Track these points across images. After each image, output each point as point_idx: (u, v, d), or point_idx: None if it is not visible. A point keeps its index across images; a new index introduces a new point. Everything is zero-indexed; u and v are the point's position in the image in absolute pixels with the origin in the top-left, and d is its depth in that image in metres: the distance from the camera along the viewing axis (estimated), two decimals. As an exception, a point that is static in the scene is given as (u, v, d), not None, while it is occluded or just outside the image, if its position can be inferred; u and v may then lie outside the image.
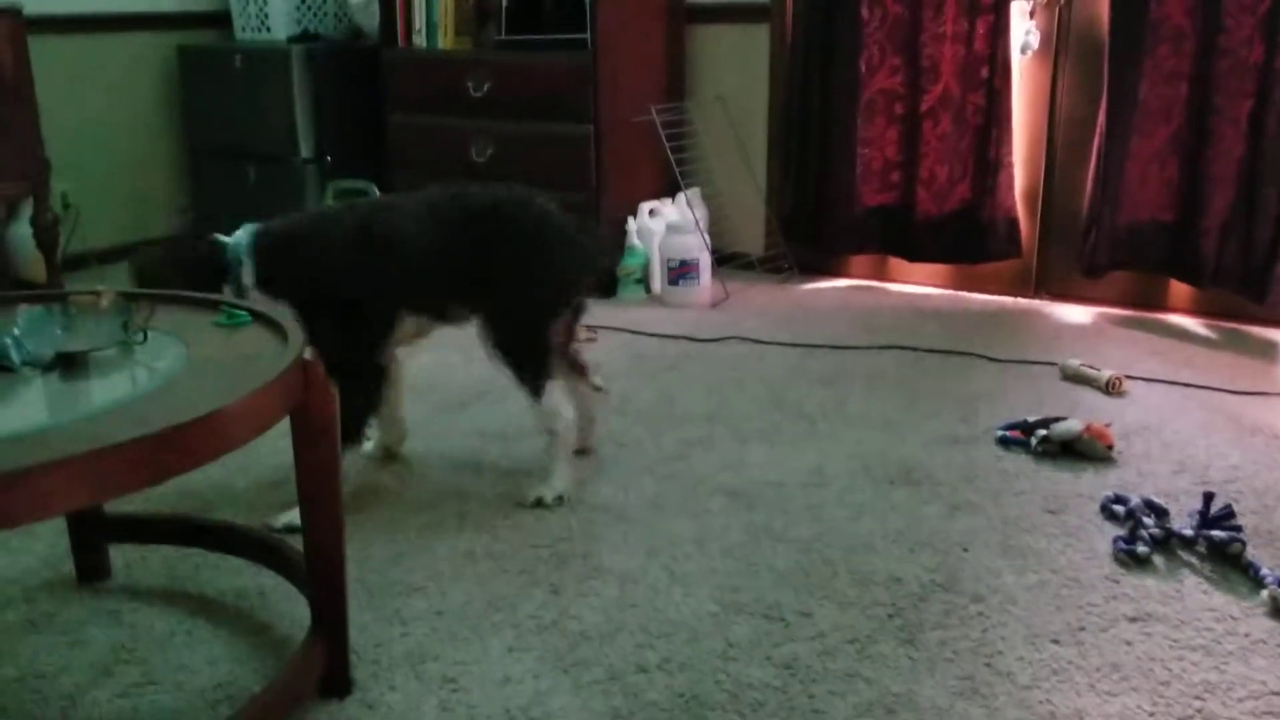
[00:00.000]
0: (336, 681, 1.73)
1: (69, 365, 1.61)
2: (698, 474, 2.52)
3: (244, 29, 4.69)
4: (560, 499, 2.37)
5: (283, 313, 1.83)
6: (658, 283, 4.02)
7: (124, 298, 1.73)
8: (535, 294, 2.33)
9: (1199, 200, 3.51)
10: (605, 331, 3.58)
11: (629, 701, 1.71)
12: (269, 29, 4.59)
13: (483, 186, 2.36)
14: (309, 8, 4.63)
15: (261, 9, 4.59)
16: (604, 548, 2.18)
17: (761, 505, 2.36)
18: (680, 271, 3.89)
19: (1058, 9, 3.70)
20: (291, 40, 4.52)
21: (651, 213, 4.08)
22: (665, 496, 2.41)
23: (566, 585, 2.04)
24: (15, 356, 1.58)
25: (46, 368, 1.60)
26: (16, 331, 1.63)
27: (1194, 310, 3.68)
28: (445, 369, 3.23)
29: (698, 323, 3.69)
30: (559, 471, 2.39)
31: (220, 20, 4.81)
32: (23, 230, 4.00)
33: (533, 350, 2.35)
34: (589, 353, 3.16)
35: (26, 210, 3.95)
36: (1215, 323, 3.60)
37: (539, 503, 2.36)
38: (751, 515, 2.31)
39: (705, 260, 3.92)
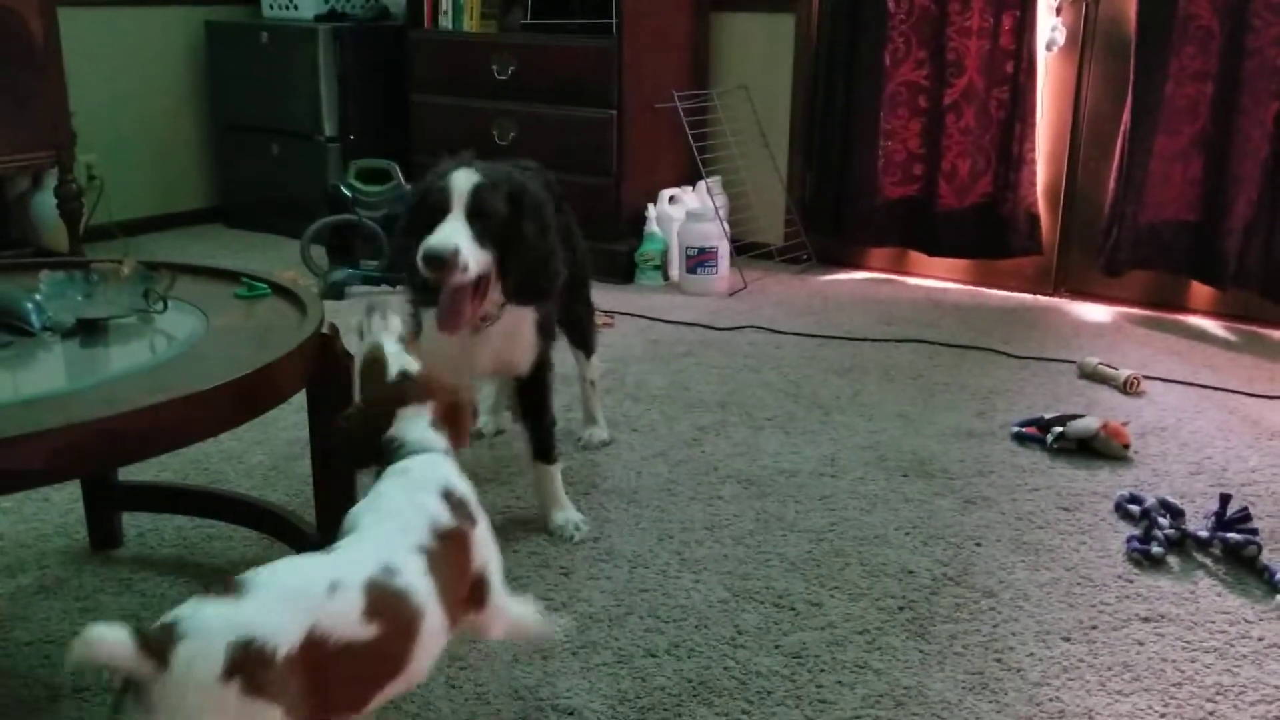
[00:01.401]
0: (346, 655, 1.74)
1: (89, 331, 1.62)
2: (711, 460, 2.51)
3: (272, 6, 4.69)
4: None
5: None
6: (676, 270, 4.02)
7: (145, 267, 1.74)
8: (585, 265, 2.46)
9: (1222, 200, 3.48)
10: (622, 317, 3.58)
11: (637, 685, 1.71)
12: (296, 7, 4.60)
13: (492, 162, 2.36)
14: (335, -14, 4.63)
15: (288, -14, 4.60)
16: (615, 531, 2.18)
17: (774, 493, 2.35)
18: (699, 259, 3.88)
19: (1084, 6, 3.67)
20: (319, 19, 4.52)
21: (672, 199, 4.07)
22: (678, 482, 2.40)
23: (577, 567, 2.05)
24: (36, 321, 1.59)
25: (67, 333, 1.61)
26: (38, 296, 1.64)
27: (1214, 312, 3.65)
28: (461, 350, 3.23)
29: (715, 310, 3.69)
30: (602, 417, 2.64)
31: (248, -3, 4.83)
32: (47, 200, 4.02)
33: (589, 313, 2.53)
34: (605, 337, 3.16)
35: (51, 180, 3.96)
36: (1235, 325, 3.57)
37: (603, 444, 2.58)
38: (764, 503, 2.31)
39: (724, 249, 3.91)
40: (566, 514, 2.18)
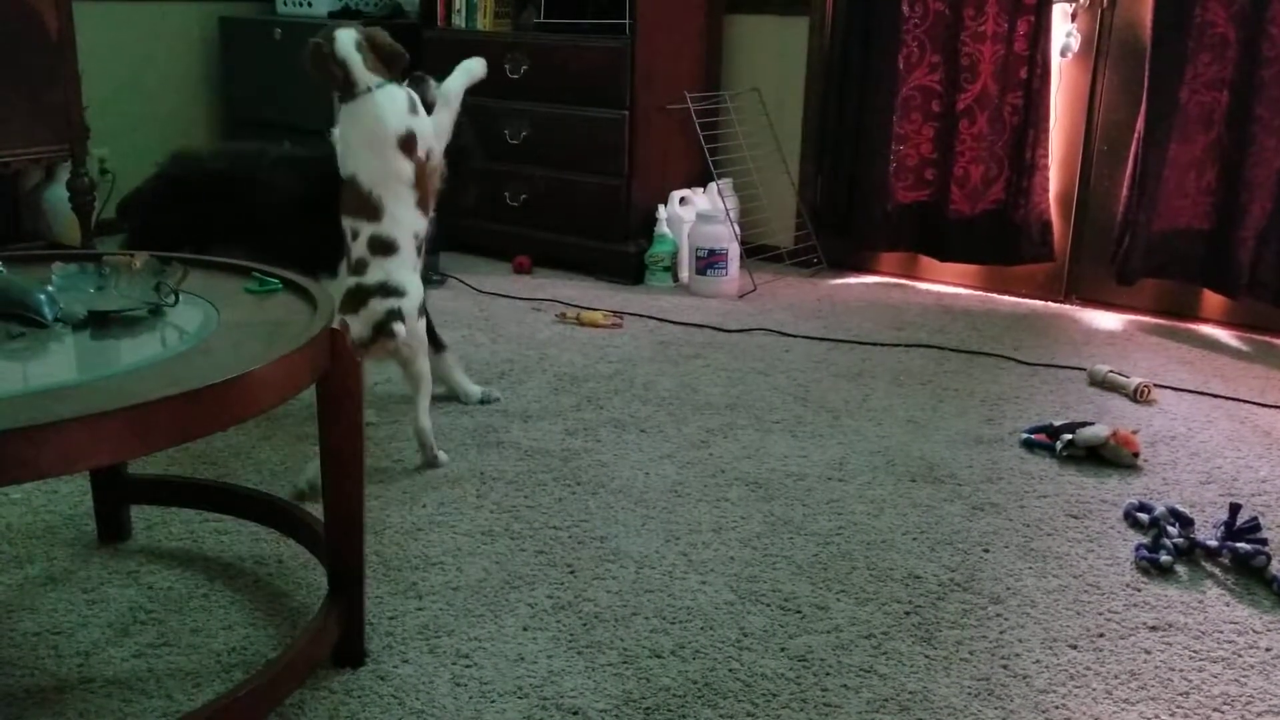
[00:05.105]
0: (350, 651, 1.74)
1: (100, 324, 1.62)
2: (718, 462, 2.51)
3: (285, 2, 4.71)
4: None
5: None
6: (685, 271, 4.01)
7: (157, 260, 1.74)
8: None
9: (1236, 210, 3.47)
10: (631, 318, 3.58)
11: (641, 685, 1.71)
12: (310, 3, 4.61)
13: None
14: (349, -17, 4.64)
15: (302, -18, 4.61)
16: (622, 531, 2.18)
17: (781, 496, 2.35)
18: (709, 261, 3.88)
19: (1100, 12, 3.66)
20: (332, 15, 4.53)
21: (682, 201, 4.07)
22: (685, 483, 2.40)
23: (584, 567, 2.05)
24: (48, 313, 1.59)
25: (78, 325, 1.61)
26: (51, 288, 1.64)
27: (1226, 321, 3.64)
28: (471, 346, 3.24)
29: (724, 312, 3.68)
30: None
31: (261, -8, 4.84)
32: (59, 193, 4.03)
33: None
34: (614, 338, 3.16)
35: (64, 173, 3.98)
36: (1247, 335, 3.56)
37: None
38: (771, 506, 2.31)
39: (734, 250, 3.91)
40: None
